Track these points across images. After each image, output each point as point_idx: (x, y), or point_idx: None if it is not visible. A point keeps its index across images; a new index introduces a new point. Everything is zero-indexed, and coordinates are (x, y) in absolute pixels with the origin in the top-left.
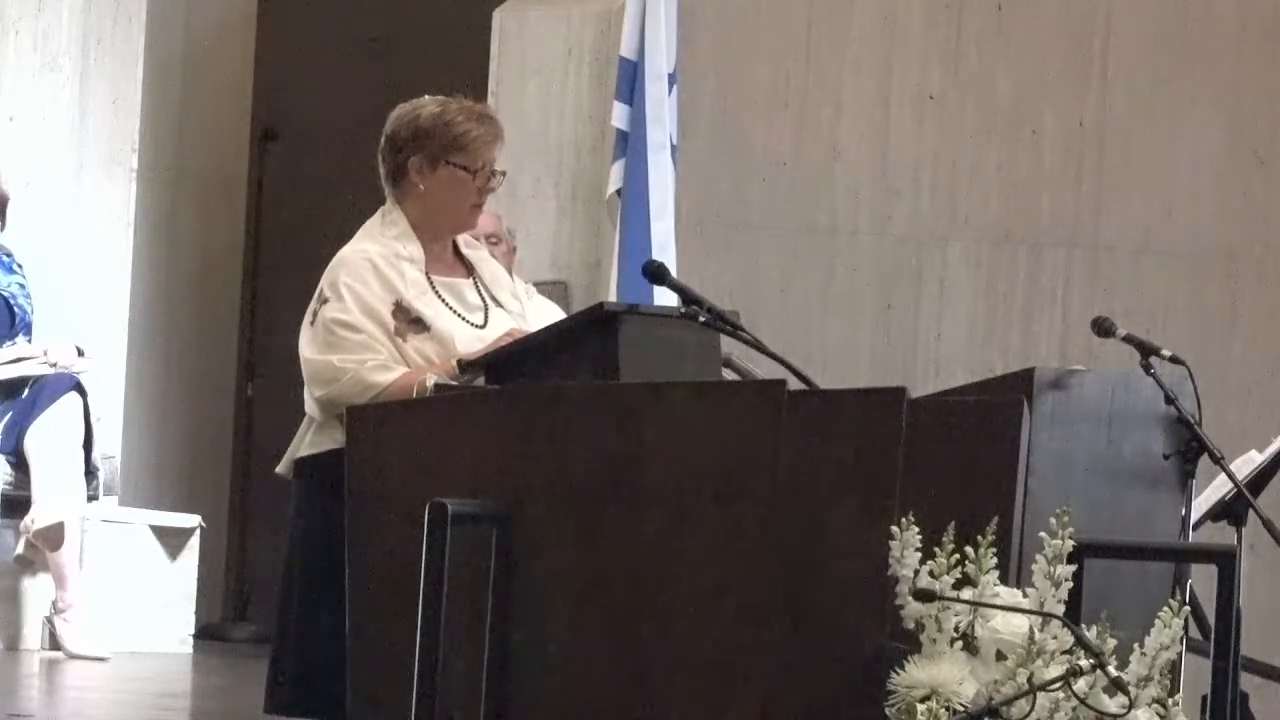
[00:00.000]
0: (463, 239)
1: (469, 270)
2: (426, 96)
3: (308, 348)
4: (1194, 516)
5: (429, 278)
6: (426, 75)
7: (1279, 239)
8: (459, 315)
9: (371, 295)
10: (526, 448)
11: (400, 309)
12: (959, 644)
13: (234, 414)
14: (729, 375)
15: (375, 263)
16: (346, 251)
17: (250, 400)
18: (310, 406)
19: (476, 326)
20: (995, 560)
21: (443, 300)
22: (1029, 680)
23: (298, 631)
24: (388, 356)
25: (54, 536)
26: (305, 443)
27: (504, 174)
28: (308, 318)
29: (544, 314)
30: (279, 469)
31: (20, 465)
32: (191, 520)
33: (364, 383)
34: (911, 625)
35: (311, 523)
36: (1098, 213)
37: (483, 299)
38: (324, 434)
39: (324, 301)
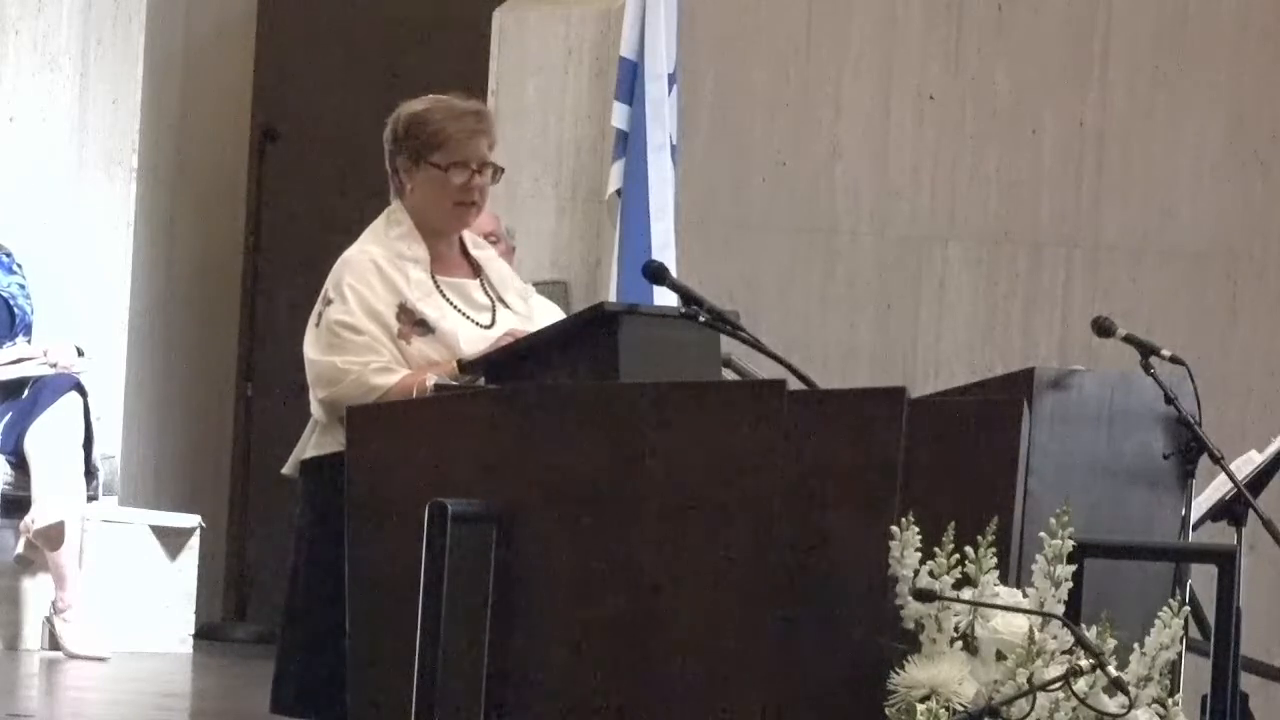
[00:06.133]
0: (470, 238)
1: (476, 270)
2: (428, 96)
3: (312, 349)
4: (1194, 516)
5: (434, 278)
6: (426, 75)
7: (1279, 239)
8: (465, 315)
9: (375, 297)
10: (527, 448)
11: (405, 311)
12: (959, 644)
13: (234, 414)
14: (729, 375)
15: (379, 264)
16: (351, 252)
17: (250, 400)
18: (315, 408)
19: (483, 327)
20: (995, 560)
21: (448, 301)
22: (1029, 680)
23: (303, 632)
24: (390, 358)
25: (54, 536)
26: (310, 444)
27: (500, 170)
28: (313, 319)
29: (544, 314)
30: (285, 470)
31: (20, 465)
32: (191, 520)
33: (366, 385)
34: (911, 625)
35: (316, 524)
36: (1098, 213)
37: (490, 299)
38: (329, 435)
39: (328, 303)
